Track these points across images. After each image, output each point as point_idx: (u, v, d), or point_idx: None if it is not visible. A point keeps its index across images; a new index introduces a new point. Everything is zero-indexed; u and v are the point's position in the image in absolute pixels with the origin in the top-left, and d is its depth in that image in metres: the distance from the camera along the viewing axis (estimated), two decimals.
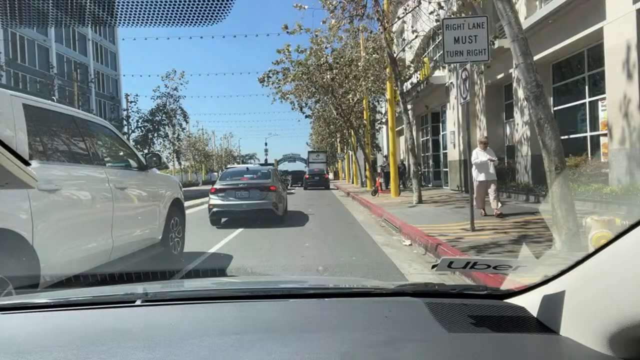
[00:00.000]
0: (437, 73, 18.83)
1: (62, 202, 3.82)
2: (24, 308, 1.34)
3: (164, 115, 30.75)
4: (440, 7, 12.97)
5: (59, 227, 3.75)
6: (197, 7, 1.21)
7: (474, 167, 9.14)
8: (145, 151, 27.49)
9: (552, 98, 12.16)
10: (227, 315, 1.28)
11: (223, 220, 10.92)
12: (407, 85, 19.52)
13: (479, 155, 9.17)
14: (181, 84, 30.48)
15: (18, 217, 3.29)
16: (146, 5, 1.18)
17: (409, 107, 15.50)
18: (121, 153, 5.65)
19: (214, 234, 9.40)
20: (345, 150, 39.26)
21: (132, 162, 5.62)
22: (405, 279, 4.98)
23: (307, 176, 32.56)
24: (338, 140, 39.09)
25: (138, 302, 1.35)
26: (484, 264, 1.32)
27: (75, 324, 1.23)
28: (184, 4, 1.21)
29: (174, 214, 6.20)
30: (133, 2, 1.18)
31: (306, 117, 25.38)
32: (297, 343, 1.05)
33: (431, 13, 13.31)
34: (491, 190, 9.16)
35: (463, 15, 12.51)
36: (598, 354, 0.92)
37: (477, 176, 9.19)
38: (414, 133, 16.85)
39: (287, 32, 15.82)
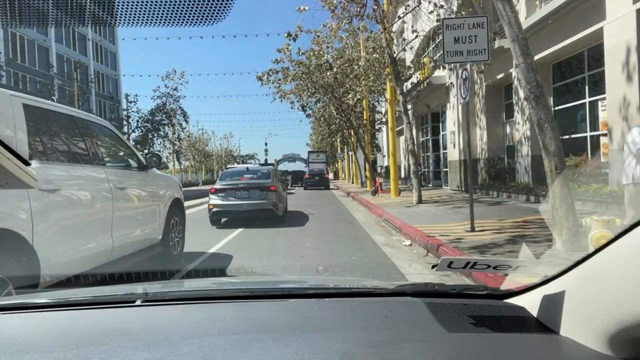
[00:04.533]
0: (437, 73, 18.84)
1: (62, 202, 3.82)
2: (24, 308, 1.34)
3: (164, 115, 30.72)
4: (441, 6, 12.95)
5: (58, 227, 3.75)
6: (197, 7, 1.22)
7: (631, 159, 5.24)
8: (145, 151, 27.47)
9: (552, 98, 12.16)
10: (227, 315, 1.28)
11: (223, 220, 10.91)
12: (407, 85, 19.52)
13: (637, 138, 5.12)
14: (181, 84, 30.41)
15: (18, 217, 3.29)
16: (146, 5, 1.18)
17: (409, 107, 15.49)
18: (121, 153, 5.65)
19: (214, 234, 9.40)
20: (345, 150, 39.25)
21: (132, 162, 5.62)
22: (405, 279, 4.98)
23: (307, 176, 32.55)
24: (338, 140, 39.07)
25: (138, 302, 1.35)
26: (484, 264, 1.32)
27: (75, 324, 1.23)
28: (184, 4, 1.21)
29: (174, 214, 6.20)
30: (133, 2, 1.18)
31: (307, 116, 25.38)
32: (297, 343, 1.05)
33: (431, 12, 13.31)
34: None
35: (463, 14, 12.51)
36: (598, 354, 0.92)
37: (636, 174, 5.16)
38: (414, 133, 16.83)
39: (291, 39, 15.76)
